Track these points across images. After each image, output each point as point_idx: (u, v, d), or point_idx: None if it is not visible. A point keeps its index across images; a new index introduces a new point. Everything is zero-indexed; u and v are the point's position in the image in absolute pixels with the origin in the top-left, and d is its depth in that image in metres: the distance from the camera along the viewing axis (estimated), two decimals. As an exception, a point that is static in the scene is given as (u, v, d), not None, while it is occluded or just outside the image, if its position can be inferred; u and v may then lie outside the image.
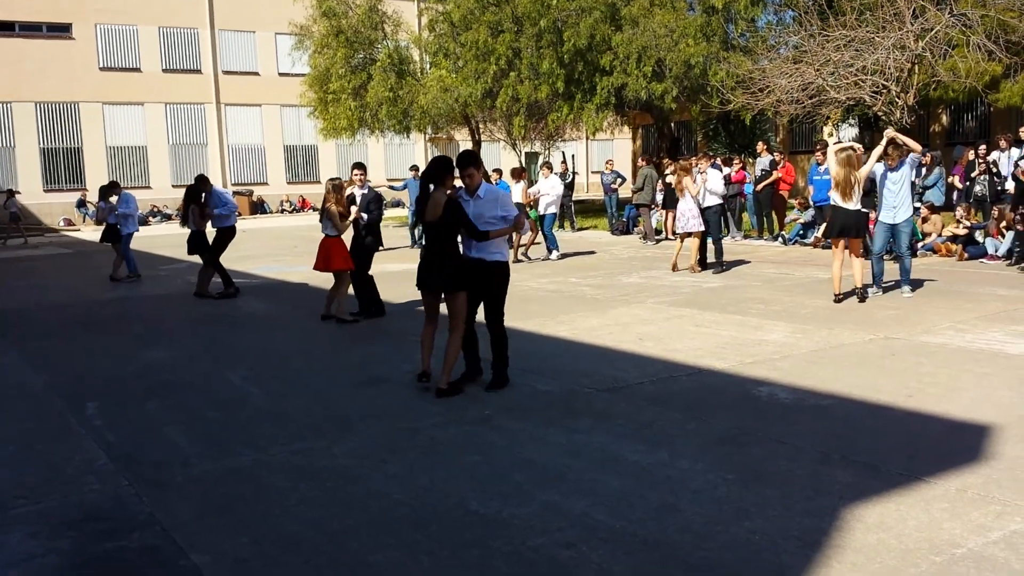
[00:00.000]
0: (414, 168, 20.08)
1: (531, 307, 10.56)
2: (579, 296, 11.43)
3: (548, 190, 16.14)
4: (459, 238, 6.77)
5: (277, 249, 20.30)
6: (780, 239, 16.88)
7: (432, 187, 6.52)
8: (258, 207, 37.34)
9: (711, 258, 13.49)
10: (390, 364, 7.80)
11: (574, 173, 25.63)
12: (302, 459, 5.33)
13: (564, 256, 16.10)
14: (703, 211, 13.18)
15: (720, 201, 13.58)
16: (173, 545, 4.15)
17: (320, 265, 10.13)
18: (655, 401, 6.29)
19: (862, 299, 9.99)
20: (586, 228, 23.35)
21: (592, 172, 44.33)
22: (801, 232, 16.50)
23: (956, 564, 3.61)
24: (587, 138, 38.98)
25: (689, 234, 13.28)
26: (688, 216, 13.10)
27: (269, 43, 37.61)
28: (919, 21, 16.99)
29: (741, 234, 18.22)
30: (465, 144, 33.02)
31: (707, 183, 13.10)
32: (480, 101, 23.64)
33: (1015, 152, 14.62)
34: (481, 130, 28.29)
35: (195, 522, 4.42)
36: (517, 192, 16.09)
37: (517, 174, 16.64)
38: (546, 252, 16.18)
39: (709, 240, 13.39)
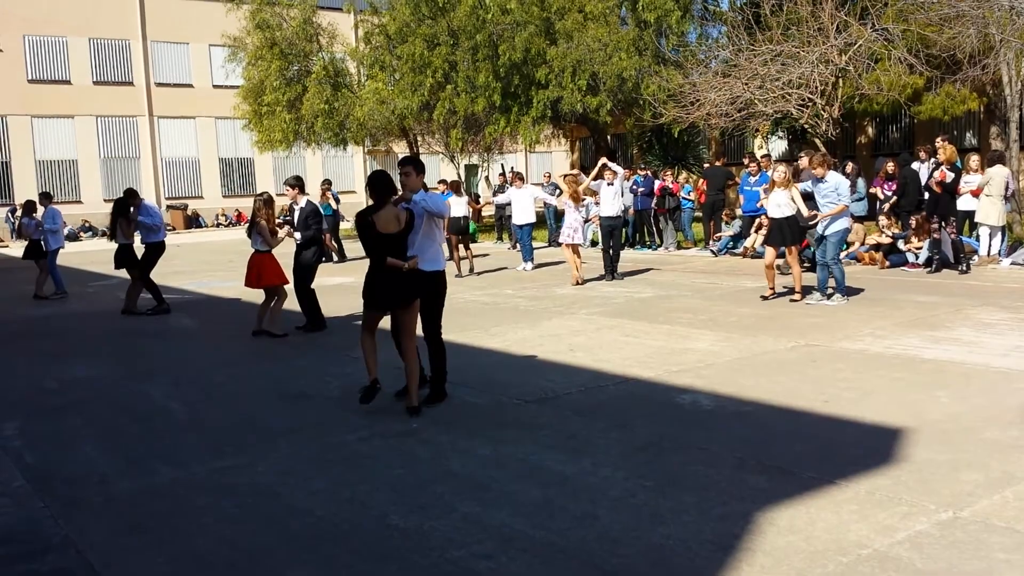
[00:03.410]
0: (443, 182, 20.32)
1: (465, 319, 10.58)
2: (513, 308, 11.48)
3: (519, 198, 16.15)
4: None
5: (211, 264, 19.99)
6: (711, 250, 17.18)
7: (376, 201, 6.46)
8: (193, 221, 36.76)
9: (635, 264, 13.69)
10: (318, 378, 7.75)
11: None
12: (224, 476, 5.27)
13: (537, 267, 16.09)
14: (606, 221, 13.59)
15: (619, 213, 13.85)
16: (87, 567, 4.08)
17: (252, 281, 10.03)
18: (581, 411, 6.36)
19: (793, 301, 10.55)
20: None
21: (532, 184, 44.52)
22: (731, 243, 16.80)
23: (862, 564, 3.72)
24: (526, 150, 39.16)
25: (573, 246, 13.49)
26: (571, 229, 13.34)
27: (203, 55, 37.11)
28: (842, 36, 17.50)
29: (674, 245, 18.49)
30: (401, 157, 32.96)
31: (598, 197, 13.58)
32: (417, 114, 23.64)
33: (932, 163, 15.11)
34: (419, 142, 28.27)
35: (110, 542, 4.34)
36: (460, 205, 16.17)
37: (456, 187, 16.71)
38: (530, 260, 16.11)
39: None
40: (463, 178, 25.15)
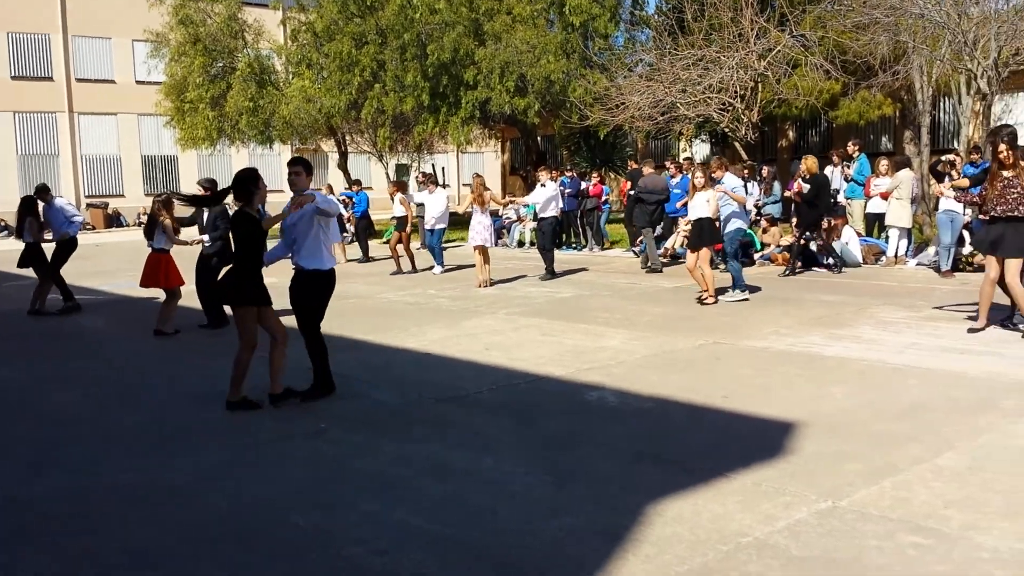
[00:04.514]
0: (356, 182, 20.26)
1: (386, 320, 10.61)
2: (435, 308, 11.53)
3: (434, 203, 16.10)
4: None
5: (131, 264, 19.52)
6: (634, 251, 17.46)
7: (247, 199, 6.53)
8: (114, 220, 35.87)
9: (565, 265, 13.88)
10: (226, 380, 7.68)
11: (444, 185, 25.77)
12: (129, 478, 5.22)
13: (447, 271, 16.07)
14: (539, 222, 13.82)
15: (555, 213, 14.11)
16: (-26, 571, 4.02)
17: (150, 281, 10.05)
18: (490, 409, 6.46)
19: (700, 301, 10.81)
20: (454, 240, 23.48)
21: (463, 184, 44.58)
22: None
23: (740, 552, 3.88)
24: (456, 151, 39.21)
25: (480, 248, 13.57)
26: (478, 230, 13.51)
27: (125, 50, 36.27)
28: (762, 42, 17.95)
29: (599, 247, 18.74)
30: (332, 155, 32.71)
31: (527, 198, 13.95)
32: (345, 112, 23.48)
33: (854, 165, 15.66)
34: (347, 141, 28.08)
35: (4, 547, 4.28)
36: (397, 204, 16.44)
37: (403, 186, 16.91)
38: (439, 265, 16.02)
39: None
40: (393, 178, 25.02)
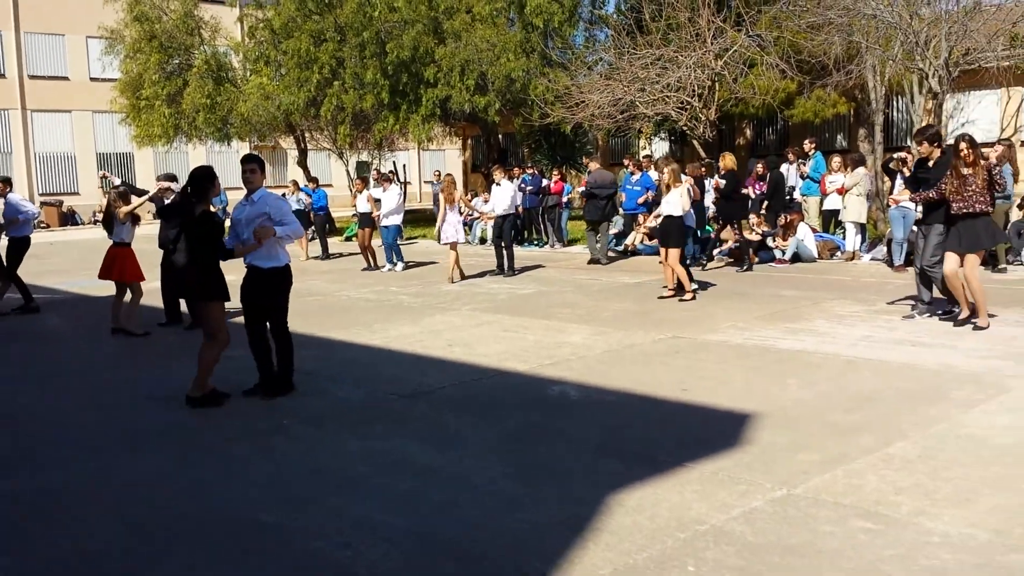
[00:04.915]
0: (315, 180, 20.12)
1: (348, 317, 10.59)
2: (397, 305, 11.54)
3: (390, 202, 16.04)
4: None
5: (87, 263, 19.24)
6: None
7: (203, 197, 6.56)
8: (68, 218, 35.27)
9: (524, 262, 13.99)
10: (186, 379, 7.63)
11: (405, 183, 25.80)
12: (89, 479, 5.18)
13: (408, 267, 16.04)
14: (498, 219, 14.00)
15: (513, 211, 14.27)
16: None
17: (115, 275, 9.97)
18: (453, 404, 6.50)
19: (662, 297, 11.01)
20: (416, 237, 23.48)
21: (424, 182, 44.53)
22: (613, 240, 17.22)
23: (698, 539, 3.97)
24: (418, 148, 39.12)
25: (451, 244, 13.77)
26: (450, 227, 13.71)
27: (79, 46, 35.69)
28: (718, 41, 18.18)
29: (561, 243, 18.85)
30: (291, 153, 32.48)
31: (492, 197, 14.09)
32: (304, 110, 23.36)
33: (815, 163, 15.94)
34: (307, 138, 27.91)
35: (-42, 548, 4.24)
36: (362, 201, 16.55)
37: (366, 182, 17.00)
38: (389, 263, 15.93)
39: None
40: (355, 175, 24.88)
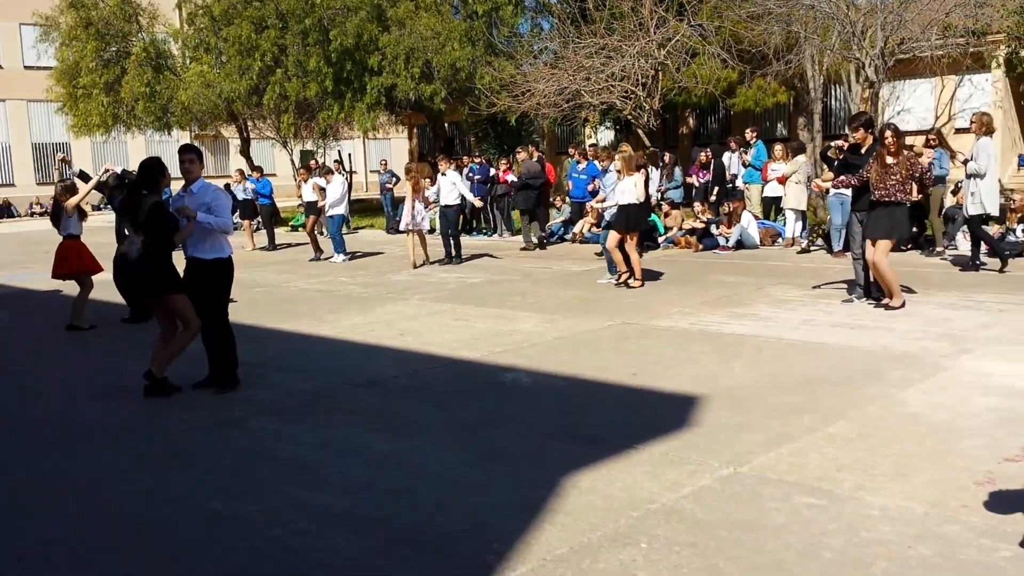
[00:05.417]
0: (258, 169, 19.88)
1: (298, 307, 10.55)
2: (347, 295, 11.52)
3: (333, 192, 15.90)
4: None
5: (26, 256, 18.83)
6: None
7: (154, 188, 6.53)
8: (4, 211, 34.33)
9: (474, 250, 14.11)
10: (138, 373, 7.56)
11: (351, 172, 25.61)
12: (43, 476, 5.12)
13: (353, 257, 15.96)
14: (444, 209, 14.36)
15: (458, 201, 14.64)
16: None
17: (64, 267, 9.76)
18: (408, 393, 6.55)
19: (626, 285, 11.05)
20: (363, 227, 23.39)
21: (370, 171, 44.21)
22: (561, 228, 17.38)
23: (650, 517, 4.10)
24: (364, 137, 38.81)
25: (412, 231, 14.11)
26: (412, 215, 13.99)
27: (13, 34, 34.68)
28: (661, 31, 18.38)
29: (509, 232, 18.93)
30: (233, 141, 31.99)
31: (439, 187, 14.40)
32: (246, 98, 23.04)
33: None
34: (249, 127, 27.53)
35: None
36: (307, 190, 16.71)
37: (310, 171, 17.21)
38: (333, 254, 15.82)
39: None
40: (299, 164, 24.63)
